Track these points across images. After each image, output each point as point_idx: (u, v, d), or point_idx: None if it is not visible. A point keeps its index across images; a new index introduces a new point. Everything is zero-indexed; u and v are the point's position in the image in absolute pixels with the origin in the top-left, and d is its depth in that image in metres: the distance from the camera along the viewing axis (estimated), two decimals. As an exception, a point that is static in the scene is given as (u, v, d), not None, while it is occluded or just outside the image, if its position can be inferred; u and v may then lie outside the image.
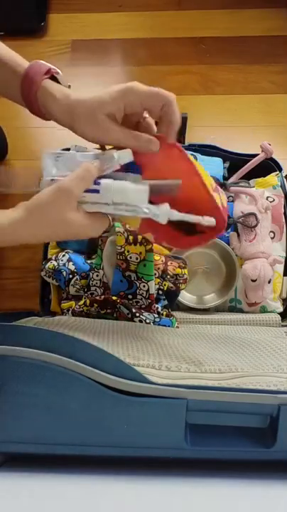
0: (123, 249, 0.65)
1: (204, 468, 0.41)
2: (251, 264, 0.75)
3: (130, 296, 0.68)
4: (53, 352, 0.40)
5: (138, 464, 0.42)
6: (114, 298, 0.65)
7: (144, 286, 0.66)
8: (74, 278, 0.69)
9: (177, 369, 0.44)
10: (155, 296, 0.68)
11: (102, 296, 0.66)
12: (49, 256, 0.76)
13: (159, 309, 0.69)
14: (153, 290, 0.67)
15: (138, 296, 0.67)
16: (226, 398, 0.39)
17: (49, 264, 0.71)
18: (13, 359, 0.40)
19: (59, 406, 0.40)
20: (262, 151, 0.83)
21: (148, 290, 0.66)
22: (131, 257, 0.65)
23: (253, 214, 0.77)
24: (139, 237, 0.65)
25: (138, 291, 0.67)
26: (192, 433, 0.40)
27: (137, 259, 0.65)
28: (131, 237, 0.65)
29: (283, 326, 0.75)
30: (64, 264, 0.70)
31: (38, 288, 0.78)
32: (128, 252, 0.65)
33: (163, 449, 0.40)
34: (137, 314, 0.63)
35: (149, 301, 0.67)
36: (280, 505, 0.37)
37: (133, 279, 0.67)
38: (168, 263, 0.69)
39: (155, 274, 0.67)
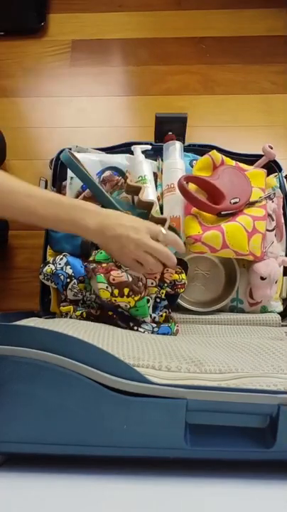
0: (110, 299, 0.61)
1: (204, 468, 0.41)
2: (264, 262, 0.75)
3: (126, 313, 0.67)
4: (53, 352, 0.40)
5: (138, 463, 0.42)
6: (110, 313, 0.64)
7: (141, 318, 0.66)
8: (72, 282, 0.68)
9: (177, 369, 0.44)
10: (153, 304, 0.67)
11: (98, 311, 0.65)
12: (48, 258, 0.75)
13: (156, 319, 0.68)
14: (149, 319, 0.66)
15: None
16: (226, 398, 0.39)
17: (47, 267, 0.70)
18: (13, 359, 0.40)
19: (59, 406, 0.40)
20: (264, 154, 0.83)
21: (144, 320, 0.66)
22: (119, 305, 0.63)
23: (270, 215, 0.78)
24: (126, 291, 0.60)
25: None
26: (191, 433, 0.40)
27: (126, 306, 0.62)
28: (115, 291, 0.60)
29: (283, 325, 0.75)
30: (61, 268, 0.69)
31: (38, 288, 0.78)
32: (115, 301, 0.62)
33: (163, 449, 0.40)
34: (135, 328, 0.63)
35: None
36: (280, 505, 0.37)
37: (126, 314, 0.65)
38: (164, 270, 0.68)
39: (153, 283, 0.65)
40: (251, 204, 0.77)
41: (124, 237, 0.56)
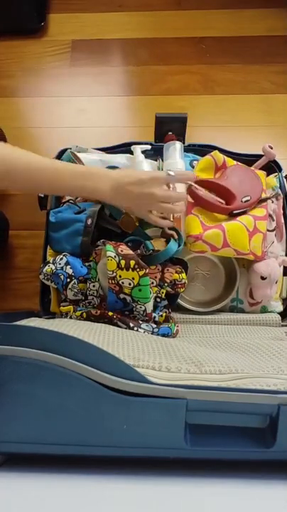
0: (115, 274, 0.62)
1: (204, 468, 0.41)
2: (264, 262, 0.75)
3: (127, 312, 0.67)
4: (53, 352, 0.40)
5: (138, 463, 0.42)
6: (110, 314, 0.64)
7: (141, 307, 0.65)
8: (72, 282, 0.68)
9: (177, 370, 0.44)
10: (153, 304, 0.67)
11: (98, 312, 0.65)
12: (48, 258, 0.75)
13: (156, 319, 0.68)
14: (150, 310, 0.65)
15: (135, 312, 0.66)
16: (226, 398, 0.39)
17: (46, 267, 0.70)
18: (13, 359, 0.40)
19: (59, 406, 0.40)
20: (264, 154, 0.83)
21: (145, 310, 0.65)
22: (123, 282, 0.63)
23: (270, 215, 0.78)
24: (132, 263, 0.61)
25: (134, 309, 0.66)
26: (191, 433, 0.40)
27: (130, 284, 0.62)
28: (122, 262, 0.62)
29: (283, 325, 0.75)
30: (61, 268, 0.69)
31: (38, 288, 0.78)
32: (120, 277, 0.62)
33: (163, 449, 0.40)
34: (135, 328, 0.63)
35: (147, 318, 0.66)
36: (280, 505, 0.37)
37: (128, 301, 0.65)
38: (165, 270, 0.68)
39: (153, 282, 0.66)
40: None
41: (136, 194, 0.62)
